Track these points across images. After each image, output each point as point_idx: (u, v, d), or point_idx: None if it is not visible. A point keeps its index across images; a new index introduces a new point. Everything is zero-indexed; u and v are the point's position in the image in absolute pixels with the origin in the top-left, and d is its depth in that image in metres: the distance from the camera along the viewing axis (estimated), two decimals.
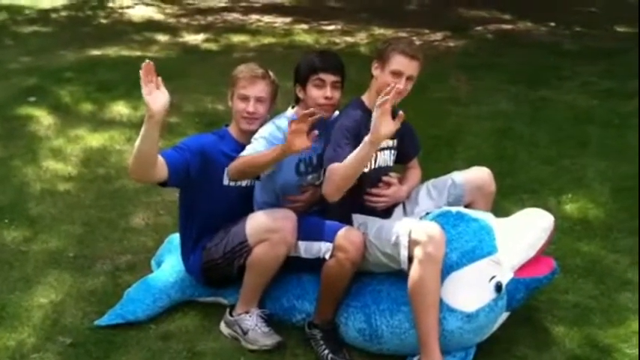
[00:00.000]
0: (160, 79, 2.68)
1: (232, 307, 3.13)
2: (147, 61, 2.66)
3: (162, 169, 2.90)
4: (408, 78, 3.00)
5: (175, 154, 2.99)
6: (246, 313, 3.06)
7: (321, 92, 3.04)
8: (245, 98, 3.11)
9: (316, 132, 2.81)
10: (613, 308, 3.27)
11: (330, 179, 2.86)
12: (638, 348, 2.99)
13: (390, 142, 3.17)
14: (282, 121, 3.09)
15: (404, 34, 8.28)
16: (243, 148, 3.07)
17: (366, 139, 2.73)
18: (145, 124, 2.71)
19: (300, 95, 3.13)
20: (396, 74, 2.98)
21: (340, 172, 2.82)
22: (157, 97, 2.66)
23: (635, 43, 8.09)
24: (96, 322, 3.14)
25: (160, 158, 2.89)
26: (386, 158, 3.18)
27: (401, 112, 2.71)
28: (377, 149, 2.80)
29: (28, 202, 4.31)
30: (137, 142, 2.77)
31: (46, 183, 4.56)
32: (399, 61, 2.98)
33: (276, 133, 3.02)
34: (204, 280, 3.21)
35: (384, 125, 2.69)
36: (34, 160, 4.91)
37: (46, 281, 3.47)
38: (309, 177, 3.19)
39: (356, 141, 2.94)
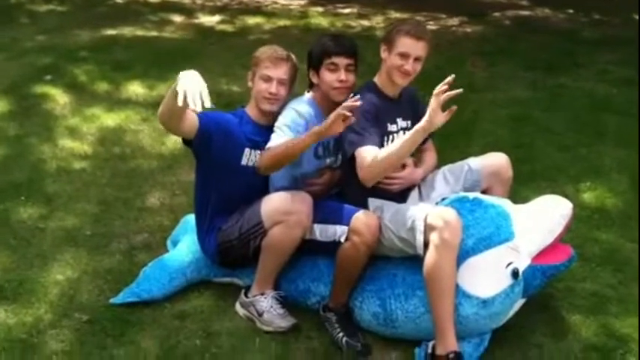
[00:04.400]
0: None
1: (248, 288, 3.15)
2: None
3: (191, 126, 2.95)
4: (416, 59, 3.00)
5: (205, 118, 3.02)
6: (262, 294, 3.07)
7: (335, 76, 3.05)
8: (268, 79, 3.11)
9: (353, 118, 2.80)
10: (630, 297, 3.25)
11: (369, 165, 2.85)
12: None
13: (404, 123, 3.15)
14: (302, 106, 3.09)
15: (420, 19, 8.21)
16: (261, 130, 3.09)
17: (418, 126, 2.75)
18: (173, 87, 2.71)
19: (314, 80, 3.13)
20: (403, 56, 2.98)
21: (385, 157, 2.83)
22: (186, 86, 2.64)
23: None
24: (112, 300, 3.16)
25: (193, 116, 2.94)
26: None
27: (454, 107, 2.71)
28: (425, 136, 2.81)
29: (44, 179, 4.33)
30: (168, 93, 2.78)
31: (62, 161, 4.59)
32: (405, 43, 2.98)
33: (298, 119, 3.02)
34: (220, 261, 3.22)
35: (438, 116, 2.71)
36: (50, 138, 4.93)
37: (63, 258, 3.49)
38: (328, 160, 3.19)
39: (376, 122, 2.94)
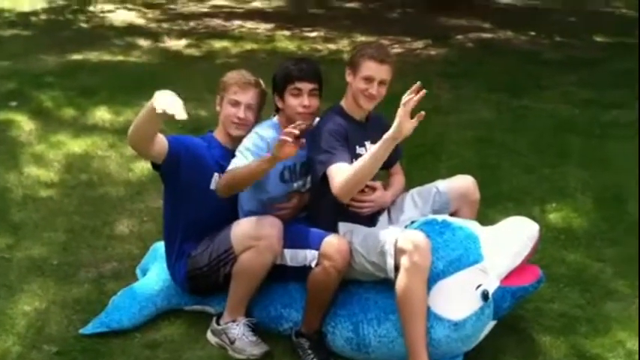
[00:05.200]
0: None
1: (219, 315, 3.12)
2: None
3: (161, 149, 2.94)
4: (381, 82, 3.02)
5: (175, 141, 3.02)
6: (233, 321, 3.04)
7: (299, 101, 3.06)
8: (236, 104, 3.12)
9: (304, 140, 2.81)
10: (599, 317, 3.30)
11: (339, 180, 2.84)
12: (625, 358, 3.02)
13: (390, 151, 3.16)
14: (265, 130, 3.10)
15: (385, 42, 8.30)
16: (230, 154, 3.08)
17: (386, 136, 2.74)
18: (150, 102, 2.69)
19: (279, 104, 3.15)
20: (368, 80, 3.00)
21: (357, 170, 2.82)
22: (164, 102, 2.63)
23: (613, 52, 8.22)
24: (81, 331, 3.12)
25: (163, 139, 2.93)
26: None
27: (422, 113, 2.70)
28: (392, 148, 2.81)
29: (9, 208, 4.26)
30: (139, 115, 2.78)
31: (28, 189, 4.52)
32: (369, 67, 3.00)
33: (260, 142, 3.03)
34: (190, 289, 3.19)
35: (407, 123, 2.70)
36: (16, 165, 4.85)
37: (30, 289, 3.44)
38: (295, 184, 3.20)
39: (345, 143, 2.96)
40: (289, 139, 2.72)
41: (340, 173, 2.85)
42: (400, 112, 2.71)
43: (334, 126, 3.00)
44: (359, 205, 3.08)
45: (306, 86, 3.06)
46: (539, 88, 6.99)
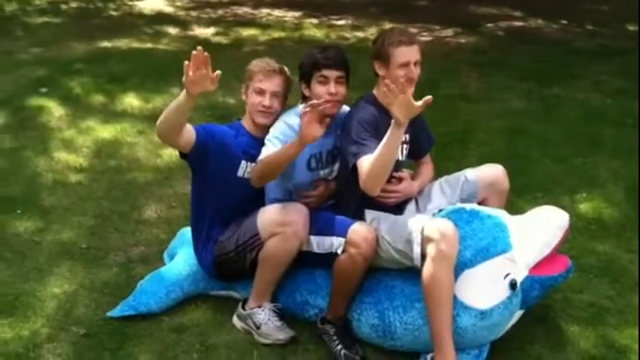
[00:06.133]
0: (209, 72, 2.66)
1: (245, 300, 3.13)
2: (199, 49, 2.64)
3: (188, 140, 2.95)
4: (415, 63, 3.01)
5: (202, 131, 3.03)
6: (259, 307, 3.06)
7: (325, 88, 3.05)
8: (261, 92, 3.12)
9: (328, 120, 2.82)
10: (628, 308, 3.25)
11: (364, 173, 2.84)
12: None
13: (404, 137, 3.14)
14: (293, 118, 3.10)
15: (414, 30, 8.25)
16: (257, 142, 3.09)
17: (392, 125, 2.73)
18: (181, 95, 2.72)
19: (306, 92, 3.14)
20: (405, 65, 2.98)
21: (373, 163, 2.81)
22: (196, 82, 2.66)
23: None
24: (109, 314, 3.15)
25: (191, 129, 2.95)
26: (398, 153, 3.16)
27: (429, 97, 2.69)
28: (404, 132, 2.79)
29: (40, 192, 4.32)
30: (169, 107, 2.80)
31: (58, 174, 4.58)
32: (403, 53, 2.99)
33: (288, 131, 3.03)
34: (217, 274, 3.21)
35: (403, 110, 2.69)
36: (46, 151, 4.92)
37: (59, 272, 3.48)
38: (321, 172, 3.20)
39: (376, 133, 2.94)
40: (315, 116, 2.76)
41: (367, 167, 2.84)
42: (392, 107, 2.70)
43: (366, 115, 2.99)
44: (385, 195, 3.06)
45: (333, 74, 3.05)
46: (571, 77, 6.90)
